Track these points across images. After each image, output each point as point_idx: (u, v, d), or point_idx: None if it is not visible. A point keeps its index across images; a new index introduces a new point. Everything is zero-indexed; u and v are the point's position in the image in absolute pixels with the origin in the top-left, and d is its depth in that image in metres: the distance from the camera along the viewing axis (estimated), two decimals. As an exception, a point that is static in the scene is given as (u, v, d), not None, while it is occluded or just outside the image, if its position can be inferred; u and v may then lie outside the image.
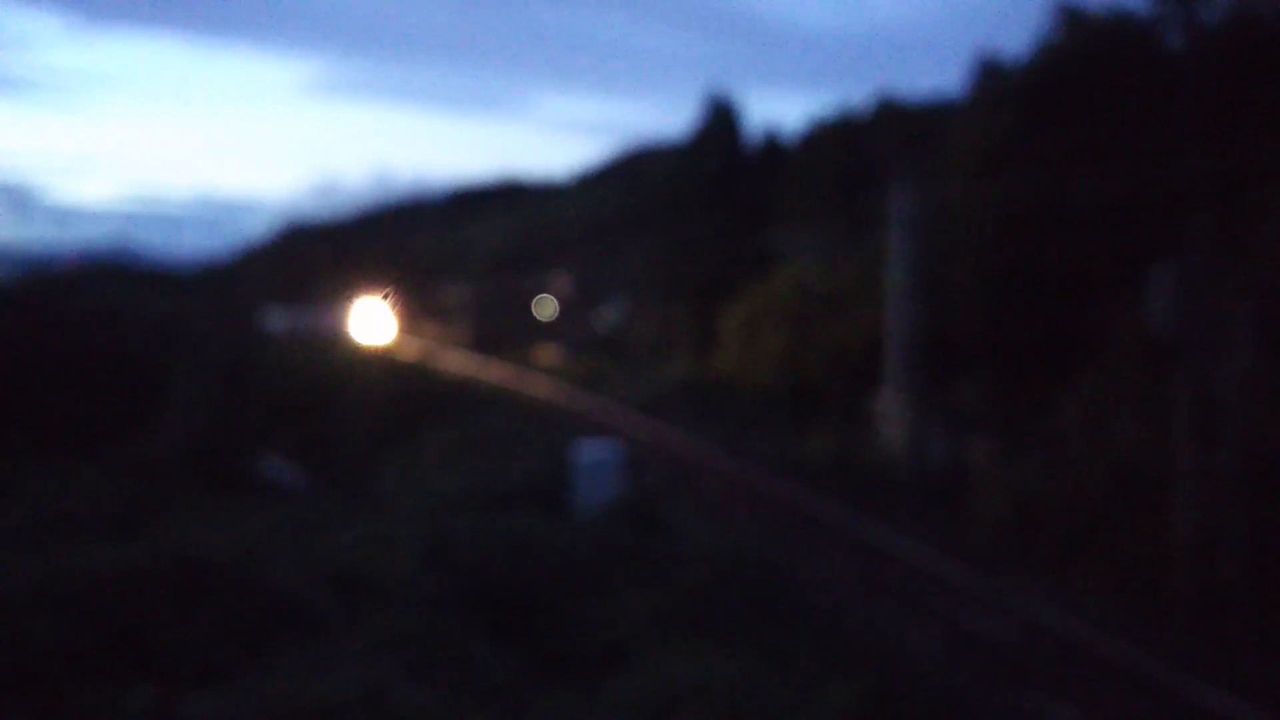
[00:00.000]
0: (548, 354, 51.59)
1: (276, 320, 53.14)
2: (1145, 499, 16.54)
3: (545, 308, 57.74)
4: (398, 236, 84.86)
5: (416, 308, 56.75)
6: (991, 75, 29.79)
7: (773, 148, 49.59)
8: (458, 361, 49.31)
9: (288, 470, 24.96)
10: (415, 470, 24.97)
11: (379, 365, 39.36)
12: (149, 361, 29.36)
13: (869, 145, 38.96)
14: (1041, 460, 19.30)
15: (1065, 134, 23.75)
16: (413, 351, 50.10)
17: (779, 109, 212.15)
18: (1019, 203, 23.77)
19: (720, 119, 50.19)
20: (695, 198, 47.44)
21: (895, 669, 13.27)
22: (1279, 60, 20.67)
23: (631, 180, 75.99)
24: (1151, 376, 16.57)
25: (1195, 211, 16.11)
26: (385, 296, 48.15)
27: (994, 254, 25.02)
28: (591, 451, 21.88)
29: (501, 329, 56.03)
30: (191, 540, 13.81)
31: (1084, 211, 22.31)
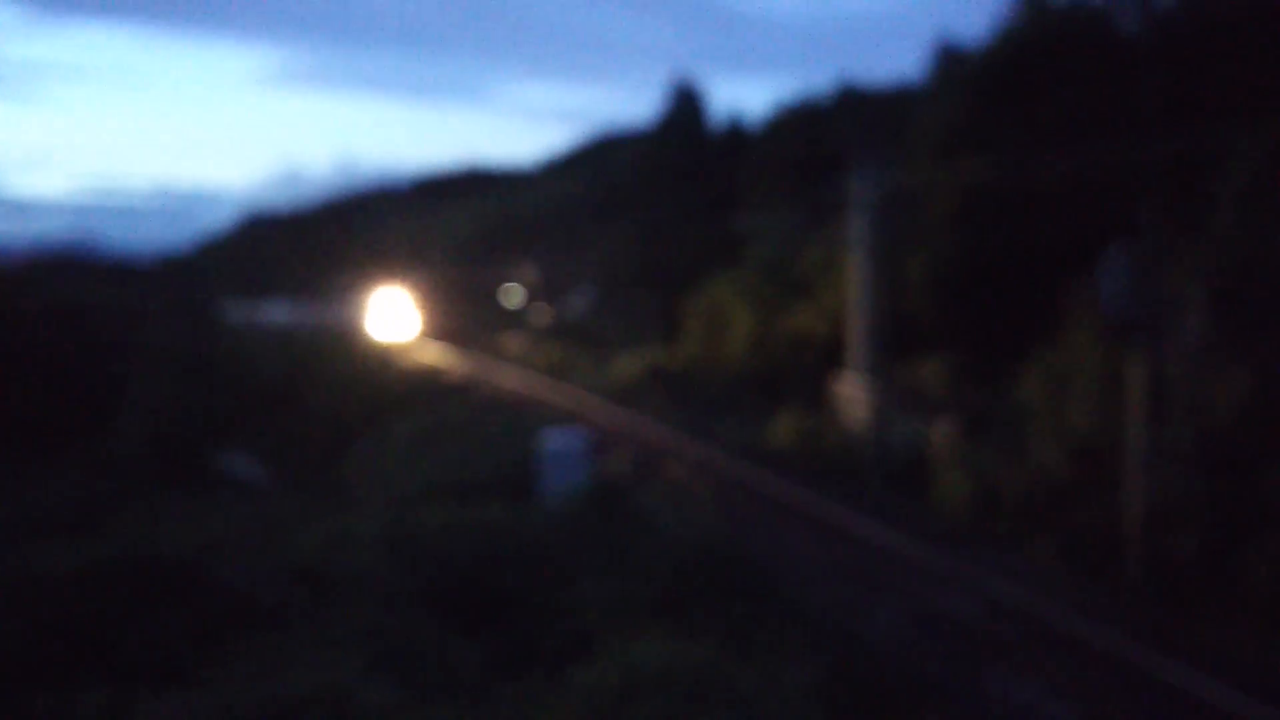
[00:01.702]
0: (514, 343, 51.48)
1: (276, 313, 49.77)
2: (1103, 476, 16.78)
3: (512, 296, 57.58)
4: (362, 226, 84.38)
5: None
6: (951, 61, 30.00)
7: (737, 134, 49.70)
8: (424, 351, 49.07)
9: (250, 465, 24.77)
10: (380, 463, 24.88)
11: (343, 357, 38.98)
12: (108, 356, 29.01)
13: (832, 131, 39.15)
14: (1002, 440, 19.52)
15: (1023, 118, 23.95)
16: (427, 349, 47.25)
17: (743, 95, 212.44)
18: (978, 186, 23.98)
19: (685, 106, 50.23)
20: (661, 184, 47.51)
21: (860, 649, 13.40)
22: (1230, 45, 20.93)
23: (597, 167, 75.93)
24: (1107, 356, 16.79)
25: (1149, 193, 16.30)
26: (409, 287, 42.92)
27: (954, 237, 25.24)
28: (558, 439, 21.88)
29: (468, 318, 55.79)
30: (151, 537, 13.70)
31: (1042, 194, 22.52)
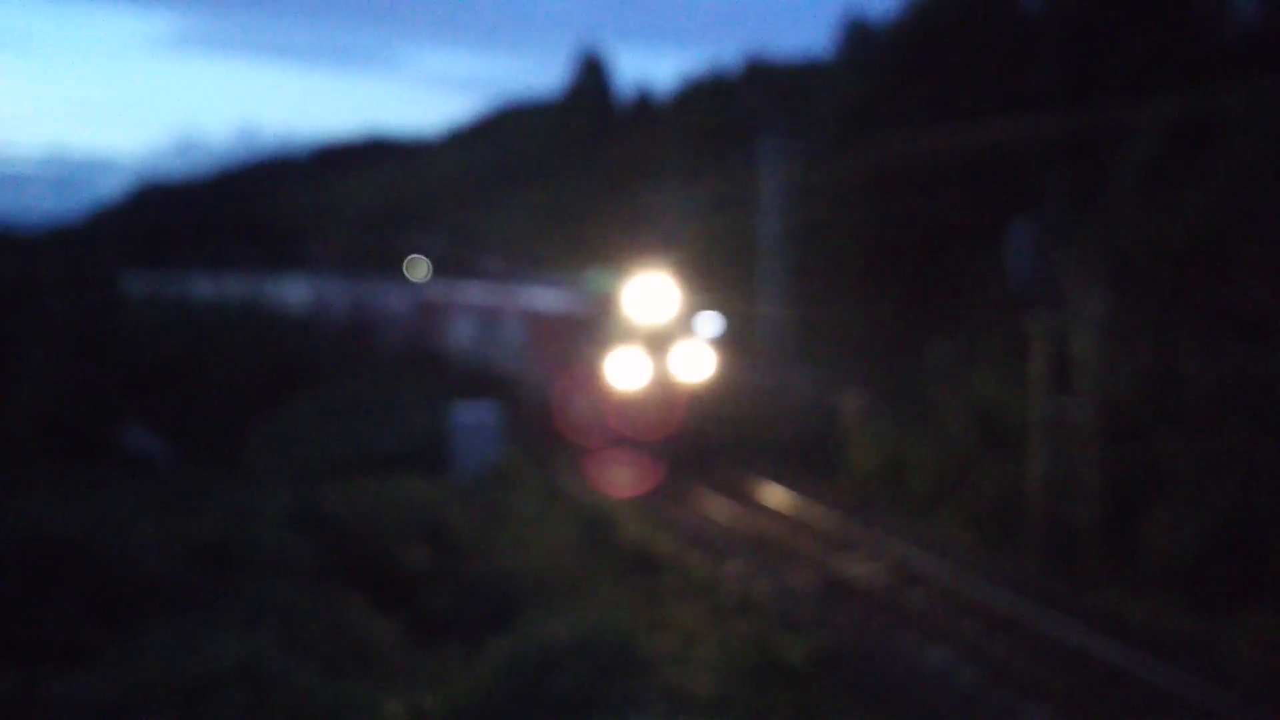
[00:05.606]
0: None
1: (295, 293, 40.75)
2: (1006, 446, 17.20)
3: (417, 269, 56.70)
4: (262, 195, 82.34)
5: None
6: (859, 35, 30.30)
7: (645, 105, 49.53)
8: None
9: (150, 441, 24.07)
10: (287, 436, 24.38)
11: (241, 325, 37.68)
12: (-4, 329, 27.88)
13: (740, 104, 39.28)
14: (911, 410, 19.89)
15: (930, 93, 24.33)
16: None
17: (651, 67, 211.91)
18: (885, 160, 24.30)
19: (592, 76, 49.88)
20: (568, 156, 47.16)
21: (770, 617, 13.58)
22: (1128, 24, 21.51)
23: (503, 138, 75.00)
24: (1010, 328, 17.19)
25: (1053, 168, 16.69)
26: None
27: (861, 210, 25.57)
28: (470, 413, 21.72)
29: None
30: (49, 516, 13.23)
31: (949, 168, 22.94)
